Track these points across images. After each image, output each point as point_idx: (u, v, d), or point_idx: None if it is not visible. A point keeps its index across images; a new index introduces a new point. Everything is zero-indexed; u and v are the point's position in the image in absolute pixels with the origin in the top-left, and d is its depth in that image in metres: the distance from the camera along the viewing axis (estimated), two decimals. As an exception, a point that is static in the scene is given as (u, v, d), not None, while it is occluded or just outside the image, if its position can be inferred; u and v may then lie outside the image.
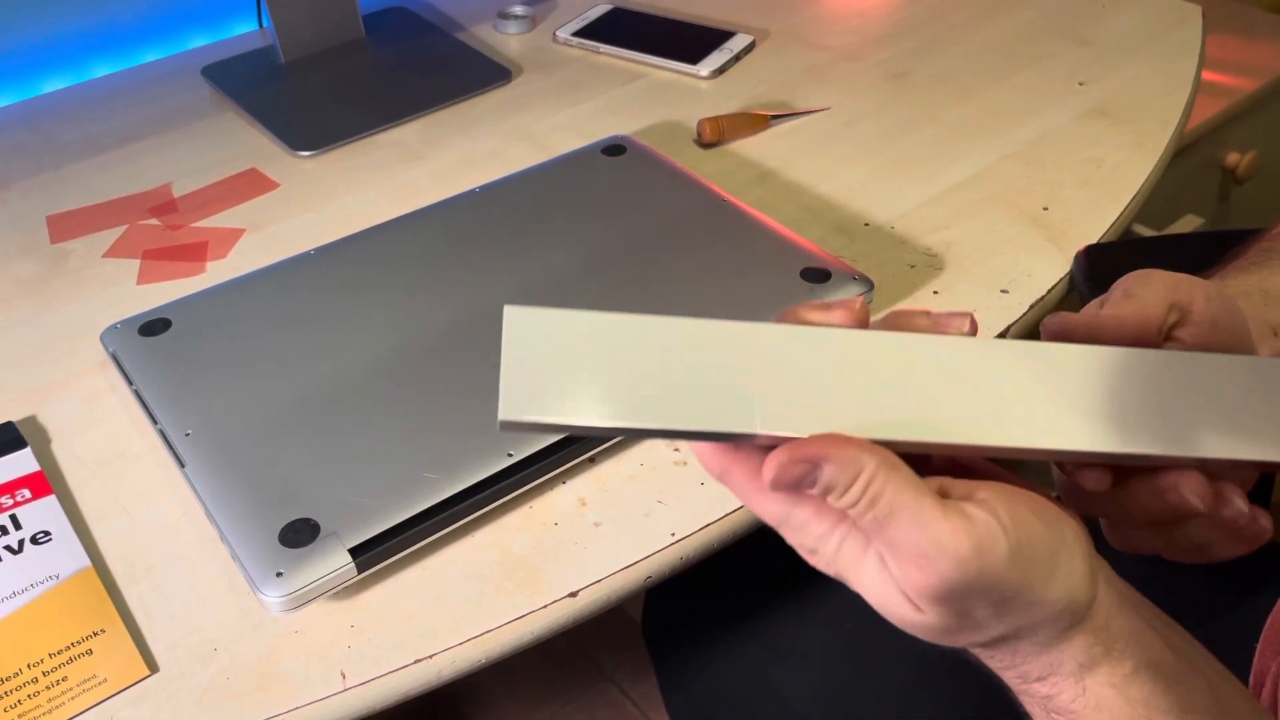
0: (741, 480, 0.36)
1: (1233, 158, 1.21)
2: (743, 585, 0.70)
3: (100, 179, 0.81)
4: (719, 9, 1.00)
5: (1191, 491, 0.38)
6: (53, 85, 0.94)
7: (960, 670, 0.58)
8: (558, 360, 0.34)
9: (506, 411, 0.34)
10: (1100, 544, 0.39)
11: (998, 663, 0.38)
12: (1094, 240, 0.70)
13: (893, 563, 0.35)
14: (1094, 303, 0.43)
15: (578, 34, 0.96)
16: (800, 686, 0.65)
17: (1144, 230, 1.00)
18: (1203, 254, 0.63)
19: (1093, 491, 0.39)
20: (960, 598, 0.34)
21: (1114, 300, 0.42)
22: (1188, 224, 1.08)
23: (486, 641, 0.49)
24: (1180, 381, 0.38)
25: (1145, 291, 0.42)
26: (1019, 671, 0.38)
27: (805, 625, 0.67)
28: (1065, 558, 0.36)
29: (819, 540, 0.36)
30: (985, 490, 0.35)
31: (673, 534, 0.53)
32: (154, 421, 0.57)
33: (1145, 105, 0.83)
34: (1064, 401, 0.37)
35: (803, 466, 0.34)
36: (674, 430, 0.34)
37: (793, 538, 0.37)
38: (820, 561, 0.37)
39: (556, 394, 0.34)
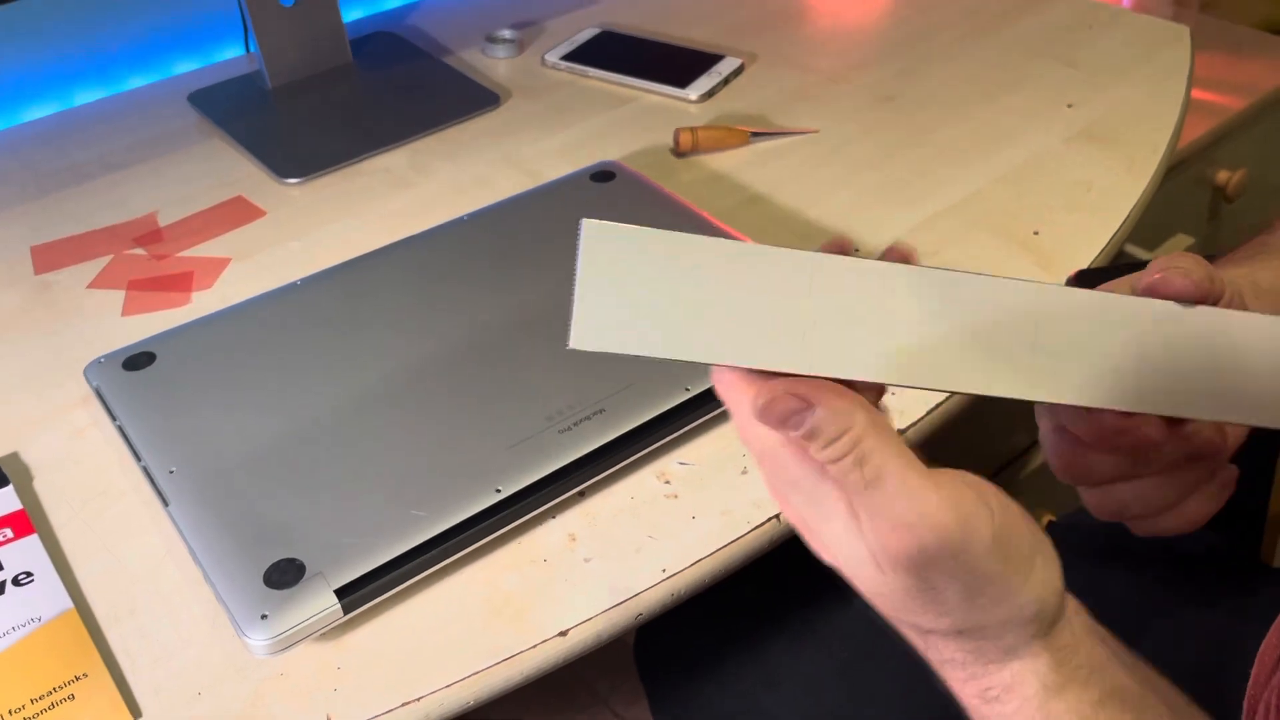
0: (739, 401, 0.36)
1: (1222, 176, 1.21)
2: (735, 612, 0.69)
3: (85, 208, 0.80)
4: (707, 32, 1.00)
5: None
6: (37, 112, 0.93)
7: (953, 704, 0.57)
8: (631, 283, 0.34)
9: (579, 339, 0.34)
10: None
11: (959, 669, 0.37)
12: (1085, 264, 0.70)
13: (869, 525, 0.34)
14: (1128, 279, 0.43)
15: (566, 58, 0.96)
16: (793, 715, 0.64)
17: (1136, 251, 1.00)
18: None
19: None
20: (932, 570, 0.34)
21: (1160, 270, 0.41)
22: (1179, 243, 1.08)
23: (475, 683, 0.48)
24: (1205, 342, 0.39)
25: (1194, 267, 0.41)
26: (981, 686, 0.37)
27: (798, 654, 0.67)
28: (1043, 562, 0.36)
29: (794, 485, 0.36)
30: (975, 476, 0.35)
31: (664, 570, 0.52)
32: (138, 458, 0.57)
33: (1134, 127, 0.83)
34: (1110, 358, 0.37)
35: (794, 403, 0.34)
36: (737, 364, 0.35)
37: (770, 476, 0.37)
38: (790, 510, 0.37)
39: (628, 320, 0.34)
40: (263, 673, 0.48)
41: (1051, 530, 0.71)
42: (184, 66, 0.99)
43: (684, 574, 0.52)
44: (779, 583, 0.67)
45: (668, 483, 0.57)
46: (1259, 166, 1.23)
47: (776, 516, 0.54)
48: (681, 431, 0.58)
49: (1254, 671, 0.51)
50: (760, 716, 0.65)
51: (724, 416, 0.60)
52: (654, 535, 0.54)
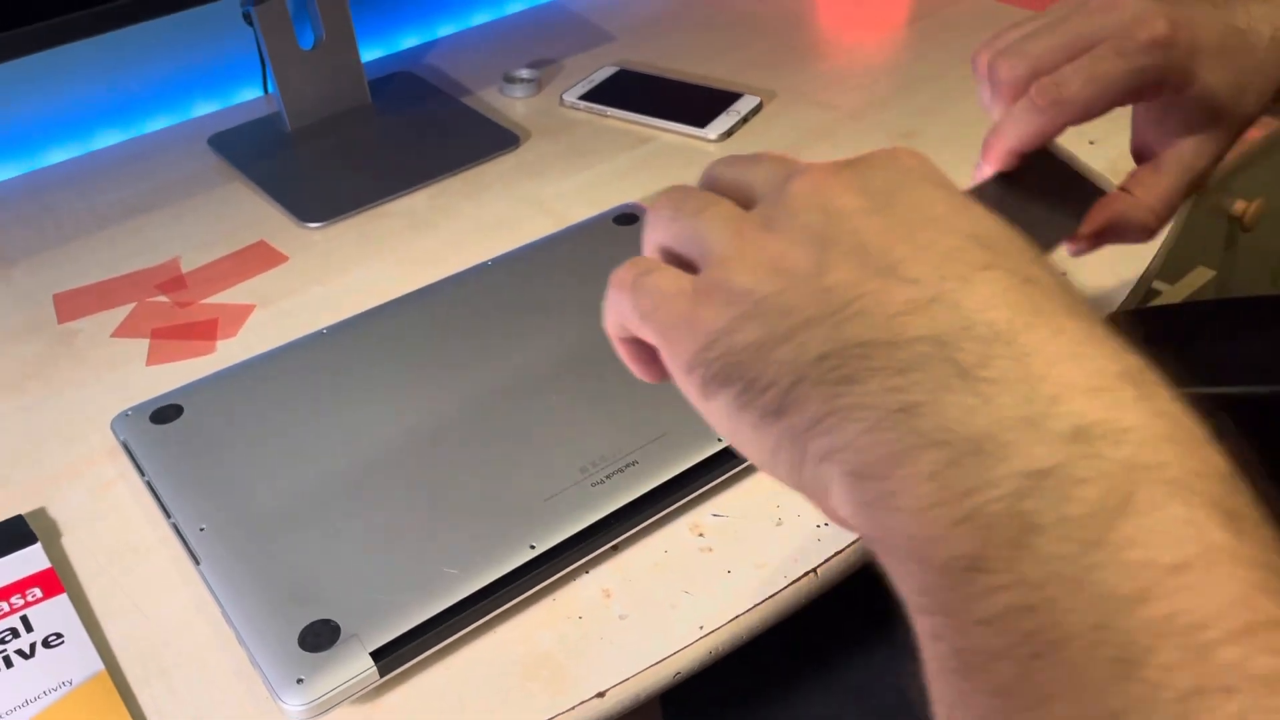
0: None
1: (1239, 205, 1.20)
2: (768, 657, 0.68)
3: (107, 254, 0.80)
4: (724, 69, 1.00)
5: None
6: (57, 155, 0.93)
7: None
8: None
9: None
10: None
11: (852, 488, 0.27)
12: (1114, 306, 0.69)
13: None
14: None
15: (584, 97, 0.96)
16: None
17: (1159, 285, 1.00)
18: (1220, 321, 0.63)
19: None
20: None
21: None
22: (1199, 276, 1.08)
23: (513, 747, 0.47)
24: None
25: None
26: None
27: (830, 701, 0.66)
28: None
29: None
30: None
31: (701, 627, 0.51)
32: (167, 515, 0.56)
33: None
34: None
35: None
36: None
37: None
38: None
39: None
40: (297, 737, 0.48)
41: None
42: (204, 108, 0.99)
43: (721, 631, 0.52)
44: (813, 625, 0.66)
45: (701, 535, 0.56)
46: (1276, 195, 1.22)
47: (814, 571, 0.54)
48: (714, 483, 0.58)
49: None
50: None
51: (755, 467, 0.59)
52: (689, 590, 0.53)
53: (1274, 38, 0.47)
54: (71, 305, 0.75)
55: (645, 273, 0.32)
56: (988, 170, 0.45)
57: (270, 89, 1.00)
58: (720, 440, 0.58)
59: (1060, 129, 0.44)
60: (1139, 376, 0.25)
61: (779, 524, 0.56)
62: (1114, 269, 0.72)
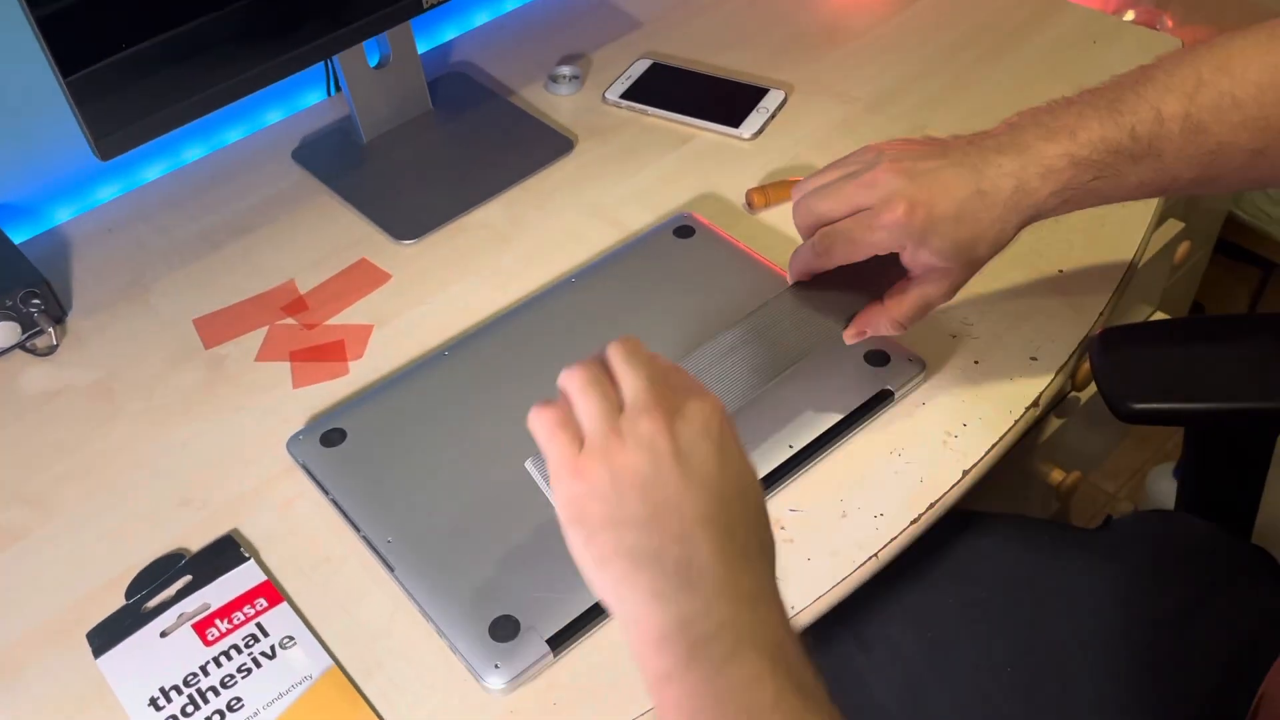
0: None
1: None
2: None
3: (226, 276, 0.91)
4: (745, 59, 1.10)
5: None
6: (152, 172, 1.03)
7: (1035, 692, 0.74)
8: None
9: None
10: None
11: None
12: (1104, 300, 0.83)
13: None
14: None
15: (625, 95, 1.06)
16: (883, 680, 0.76)
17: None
18: (1213, 340, 0.76)
19: None
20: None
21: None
22: (1170, 229, 1.21)
23: (663, 710, 0.62)
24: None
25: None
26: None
27: (890, 624, 0.79)
28: None
29: None
30: None
31: (793, 607, 0.66)
32: (356, 529, 0.70)
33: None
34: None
35: None
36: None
37: None
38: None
39: None
40: (497, 710, 0.63)
41: (1115, 527, 0.84)
42: (273, 114, 1.09)
43: (806, 611, 0.66)
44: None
45: (783, 528, 0.70)
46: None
47: (875, 555, 0.68)
48: (790, 483, 0.72)
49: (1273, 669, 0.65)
50: (854, 677, 0.78)
51: (818, 464, 0.73)
52: (781, 576, 0.68)
53: (1017, 189, 0.64)
54: (212, 330, 0.87)
55: (553, 431, 0.52)
56: (790, 279, 0.72)
57: (334, 90, 1.09)
58: (791, 447, 0.72)
59: (832, 267, 0.68)
60: (748, 591, 0.50)
61: (844, 516, 0.71)
62: (1105, 270, 0.86)
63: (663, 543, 0.48)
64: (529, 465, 0.61)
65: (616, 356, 0.53)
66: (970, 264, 0.67)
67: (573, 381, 0.52)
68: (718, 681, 0.46)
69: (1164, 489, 1.33)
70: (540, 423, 0.52)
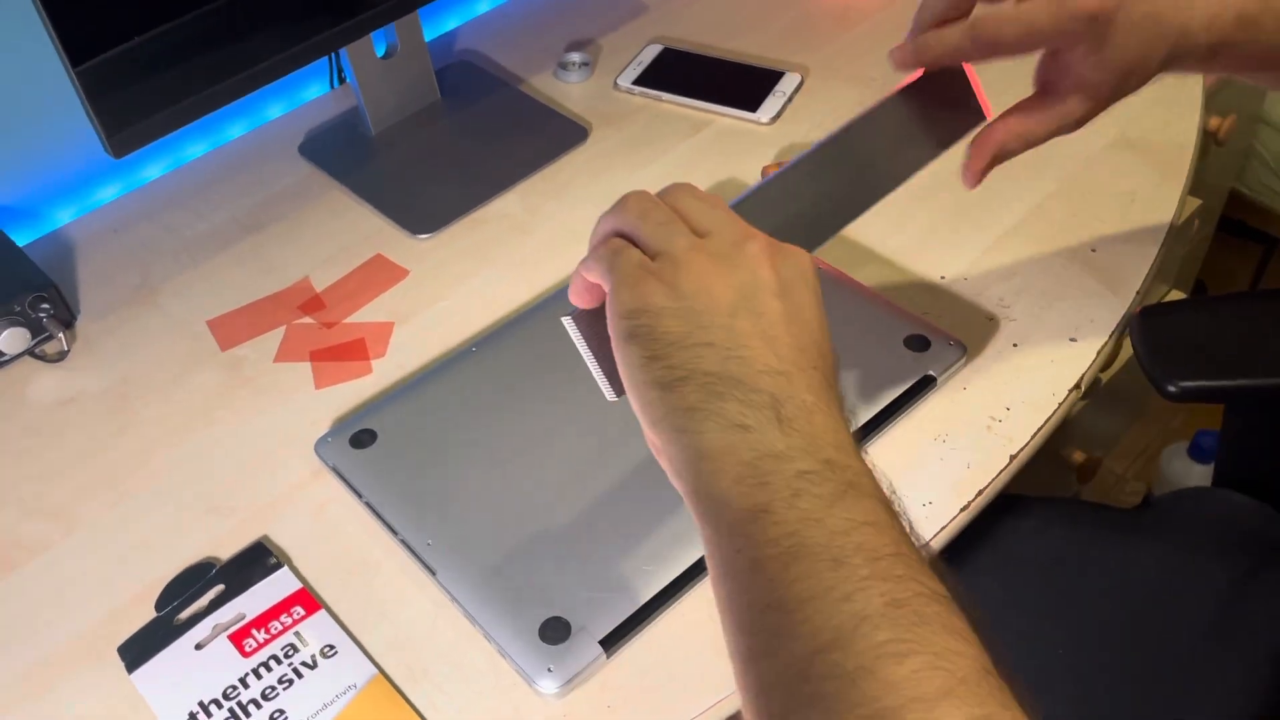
0: None
1: (1214, 122, 1.32)
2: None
3: (237, 274, 0.89)
4: (757, 42, 1.08)
5: None
6: (154, 170, 1.00)
7: (1089, 672, 0.72)
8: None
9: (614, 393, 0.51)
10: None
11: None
12: (1140, 278, 0.81)
13: None
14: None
15: (638, 81, 1.04)
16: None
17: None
18: (1252, 316, 0.75)
19: None
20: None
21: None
22: (1188, 204, 1.20)
23: (724, 707, 0.61)
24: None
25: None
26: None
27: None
28: None
29: None
30: None
31: (847, 599, 0.65)
32: (394, 533, 0.68)
33: (1163, 130, 0.94)
34: None
35: None
36: None
37: None
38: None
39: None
40: (551, 714, 0.61)
41: (1156, 503, 0.83)
42: (275, 108, 1.06)
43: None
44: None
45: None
46: (1246, 110, 1.34)
47: (927, 544, 0.67)
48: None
49: None
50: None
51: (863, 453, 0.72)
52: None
53: (1208, 26, 0.56)
54: (227, 331, 0.84)
55: (621, 247, 0.46)
56: (904, 60, 0.62)
57: (338, 82, 1.06)
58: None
59: (983, 60, 0.59)
60: (853, 446, 0.44)
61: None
62: (1139, 248, 0.84)
63: (753, 375, 0.43)
64: (565, 321, 0.50)
65: (683, 192, 0.48)
66: (1121, 91, 0.59)
67: (630, 209, 0.47)
68: (829, 520, 0.40)
69: (1179, 468, 1.33)
70: (606, 245, 0.46)
